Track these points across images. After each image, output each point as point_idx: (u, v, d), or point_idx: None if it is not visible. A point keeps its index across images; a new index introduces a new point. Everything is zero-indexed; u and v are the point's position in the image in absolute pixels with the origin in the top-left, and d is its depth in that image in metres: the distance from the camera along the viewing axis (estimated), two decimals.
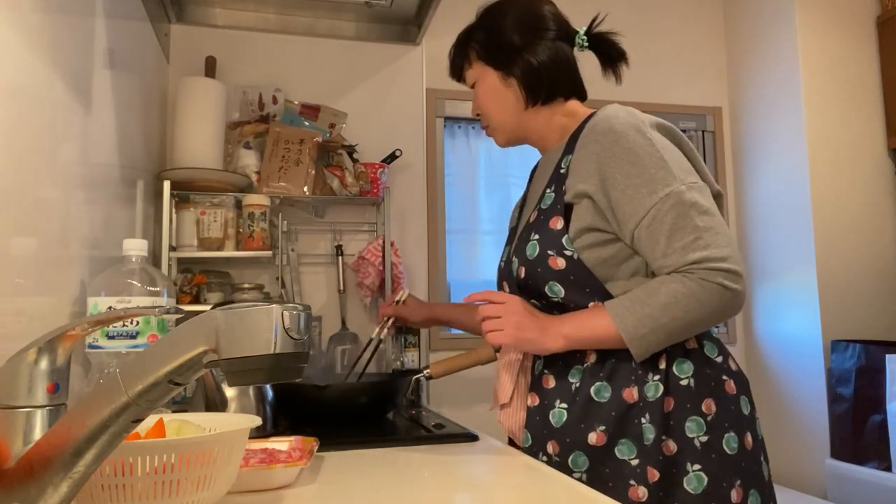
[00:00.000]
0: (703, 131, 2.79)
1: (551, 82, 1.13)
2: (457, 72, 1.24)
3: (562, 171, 1.08)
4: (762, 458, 1.04)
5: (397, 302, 1.58)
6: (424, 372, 1.37)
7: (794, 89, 2.49)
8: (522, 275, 1.08)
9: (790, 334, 2.49)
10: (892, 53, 2.49)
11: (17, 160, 0.87)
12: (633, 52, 1.16)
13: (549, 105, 1.16)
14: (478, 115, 1.23)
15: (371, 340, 1.58)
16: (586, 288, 1.03)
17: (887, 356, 2.09)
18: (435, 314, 1.59)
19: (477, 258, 2.56)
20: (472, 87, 1.21)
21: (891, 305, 2.44)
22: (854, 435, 2.18)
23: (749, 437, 1.02)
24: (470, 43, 1.19)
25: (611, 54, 1.15)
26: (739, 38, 2.78)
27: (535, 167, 1.28)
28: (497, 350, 1.20)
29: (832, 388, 2.27)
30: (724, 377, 1.04)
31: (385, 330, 1.57)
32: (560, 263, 1.03)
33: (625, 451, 0.98)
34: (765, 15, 2.64)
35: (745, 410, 1.04)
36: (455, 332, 2.33)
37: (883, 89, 2.53)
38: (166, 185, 1.76)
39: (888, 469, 2.04)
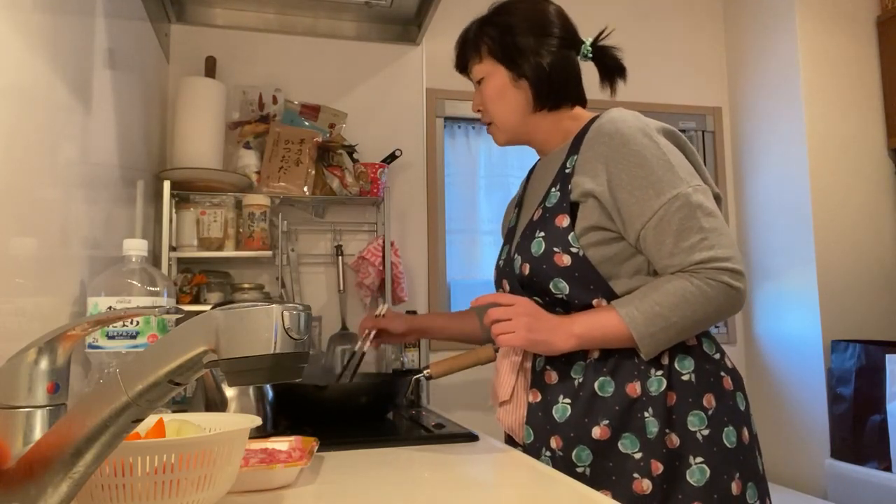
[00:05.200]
0: (703, 131, 2.79)
1: (560, 88, 1.14)
2: (463, 64, 1.21)
3: (567, 170, 1.09)
4: (757, 453, 1.06)
5: (378, 315, 1.54)
6: (424, 372, 1.37)
7: (794, 89, 2.49)
8: (526, 272, 1.08)
9: (790, 334, 2.49)
10: (892, 53, 2.49)
11: (17, 160, 0.87)
12: (633, 52, 1.17)
13: (555, 112, 1.16)
14: (478, 111, 1.21)
15: (354, 354, 1.56)
16: (590, 285, 1.04)
17: (887, 356, 2.09)
18: (416, 325, 1.53)
19: (477, 258, 2.55)
20: (478, 82, 1.19)
21: (891, 305, 2.44)
22: (854, 435, 2.18)
23: (745, 432, 1.04)
24: (483, 37, 1.16)
25: (611, 67, 1.17)
26: (739, 38, 2.78)
27: (533, 168, 1.29)
28: (497, 349, 1.20)
29: (832, 388, 2.27)
30: (722, 373, 1.07)
31: (367, 342, 1.56)
32: (566, 260, 1.04)
33: (628, 445, 0.99)
34: (765, 15, 2.64)
35: (741, 406, 1.06)
36: None
37: (883, 89, 2.53)
38: (166, 185, 1.76)
39: (888, 469, 2.04)
